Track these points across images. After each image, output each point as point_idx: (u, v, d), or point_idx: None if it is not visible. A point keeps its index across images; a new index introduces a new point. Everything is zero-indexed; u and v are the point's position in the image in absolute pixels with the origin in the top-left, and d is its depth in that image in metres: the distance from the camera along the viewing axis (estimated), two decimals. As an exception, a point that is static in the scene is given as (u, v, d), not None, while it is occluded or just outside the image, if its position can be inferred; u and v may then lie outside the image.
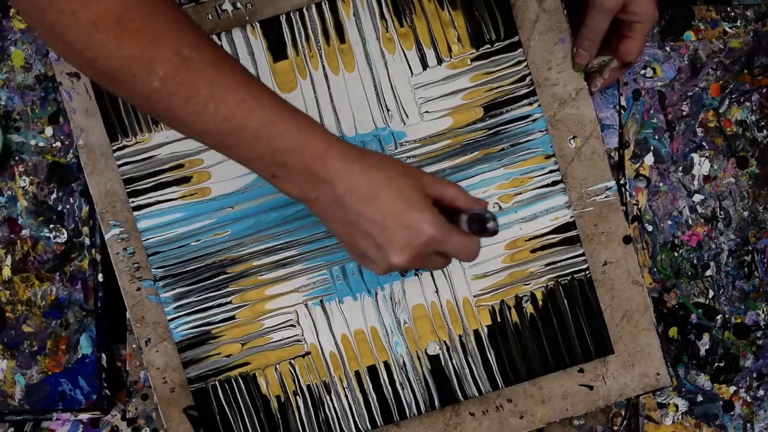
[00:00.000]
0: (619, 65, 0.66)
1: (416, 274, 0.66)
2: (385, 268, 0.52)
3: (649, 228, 0.72)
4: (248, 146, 0.50)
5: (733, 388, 0.72)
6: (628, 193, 0.72)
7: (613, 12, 0.61)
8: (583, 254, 0.66)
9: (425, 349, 0.67)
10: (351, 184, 0.50)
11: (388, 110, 0.66)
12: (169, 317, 0.67)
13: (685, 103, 0.72)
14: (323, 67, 0.66)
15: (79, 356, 0.71)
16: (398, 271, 0.54)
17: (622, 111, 0.72)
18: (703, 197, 0.72)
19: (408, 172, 0.52)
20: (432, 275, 0.66)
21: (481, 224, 0.50)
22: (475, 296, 0.66)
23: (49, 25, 0.47)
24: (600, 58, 0.66)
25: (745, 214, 0.73)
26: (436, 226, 0.50)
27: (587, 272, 0.67)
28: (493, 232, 0.50)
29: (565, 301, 0.67)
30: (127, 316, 0.69)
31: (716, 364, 0.72)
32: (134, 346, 0.70)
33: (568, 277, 0.66)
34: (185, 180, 0.66)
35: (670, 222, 0.72)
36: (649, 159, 0.72)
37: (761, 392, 0.72)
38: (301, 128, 0.50)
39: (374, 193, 0.50)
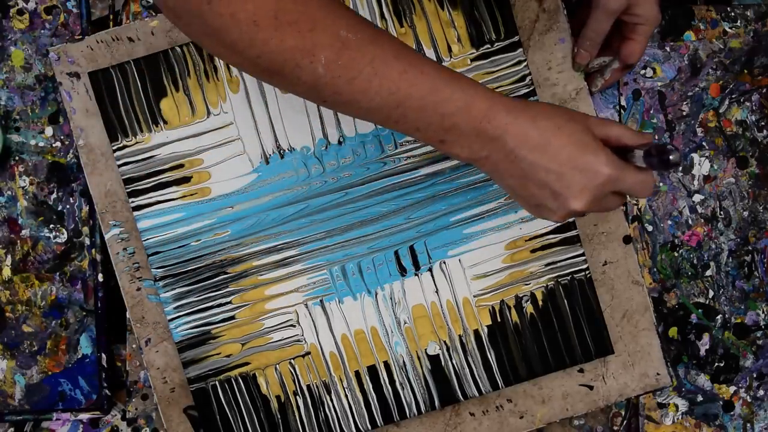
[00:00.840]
0: (621, 66, 0.66)
1: (416, 275, 0.66)
2: (564, 215, 0.52)
3: (649, 228, 0.72)
4: (416, 115, 0.51)
5: (733, 388, 0.72)
6: (628, 193, 0.72)
7: (617, 13, 0.61)
8: (583, 254, 0.66)
9: (425, 349, 0.67)
10: (521, 136, 0.50)
11: (388, 110, 0.66)
12: (169, 317, 0.67)
13: (685, 103, 0.72)
14: (323, 67, 0.66)
15: (79, 356, 0.71)
16: (577, 216, 0.55)
17: (622, 111, 0.72)
18: (703, 197, 0.72)
19: (574, 116, 0.52)
20: (432, 275, 0.66)
21: (662, 156, 0.49)
22: (475, 296, 0.66)
23: (211, 30, 0.47)
24: (601, 58, 0.66)
25: (745, 214, 0.73)
26: (612, 165, 0.51)
27: (587, 272, 0.67)
28: (676, 164, 0.49)
29: (565, 301, 0.67)
30: (127, 316, 0.69)
31: (716, 364, 0.72)
32: (134, 346, 0.70)
33: (568, 277, 0.66)
34: (185, 180, 0.66)
35: (670, 222, 0.72)
36: (649, 159, 0.72)
37: (761, 392, 0.72)
38: (465, 89, 0.51)
39: (546, 141, 0.50)
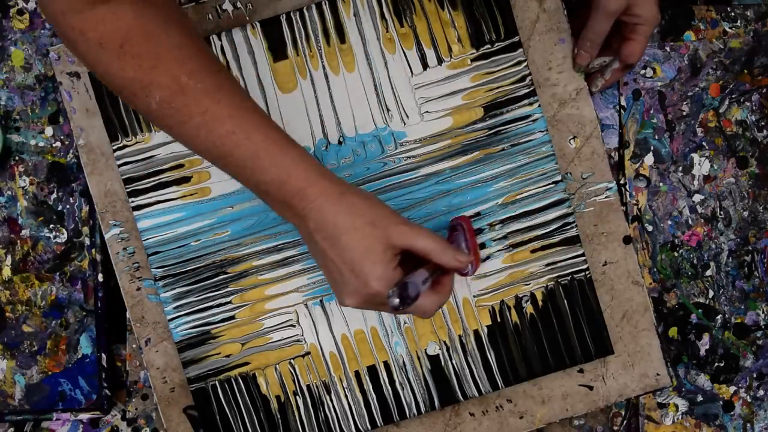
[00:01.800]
0: (621, 66, 0.66)
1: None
2: (342, 303, 0.54)
3: (649, 228, 0.72)
4: (235, 172, 0.53)
5: (733, 388, 0.72)
6: (628, 193, 0.72)
7: (617, 14, 0.61)
8: (583, 254, 0.66)
9: (425, 349, 0.67)
10: (319, 223, 0.52)
11: (388, 110, 0.66)
12: (169, 317, 0.67)
13: (685, 103, 0.72)
14: (323, 67, 0.66)
15: (79, 356, 0.71)
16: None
17: (622, 111, 0.72)
18: (703, 197, 0.72)
19: (377, 220, 0.53)
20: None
21: (399, 293, 0.51)
22: (475, 296, 0.66)
23: (62, 37, 0.51)
24: (601, 58, 0.66)
25: (745, 214, 0.73)
26: (382, 282, 0.52)
27: (587, 272, 0.67)
28: (393, 308, 0.50)
29: (565, 301, 0.67)
30: (127, 316, 0.69)
31: (716, 364, 0.72)
32: (134, 346, 0.70)
33: (568, 278, 0.66)
34: (185, 180, 0.66)
35: (670, 222, 0.72)
36: (649, 159, 0.72)
37: (761, 392, 0.72)
38: (283, 165, 0.52)
39: (337, 236, 0.52)
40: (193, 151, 0.54)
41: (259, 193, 0.54)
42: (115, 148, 0.66)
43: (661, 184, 0.72)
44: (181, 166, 0.66)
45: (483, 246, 0.66)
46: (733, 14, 0.73)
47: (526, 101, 0.66)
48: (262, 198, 0.55)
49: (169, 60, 0.50)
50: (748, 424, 0.72)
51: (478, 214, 0.66)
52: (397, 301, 0.50)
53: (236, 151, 0.52)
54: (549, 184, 0.66)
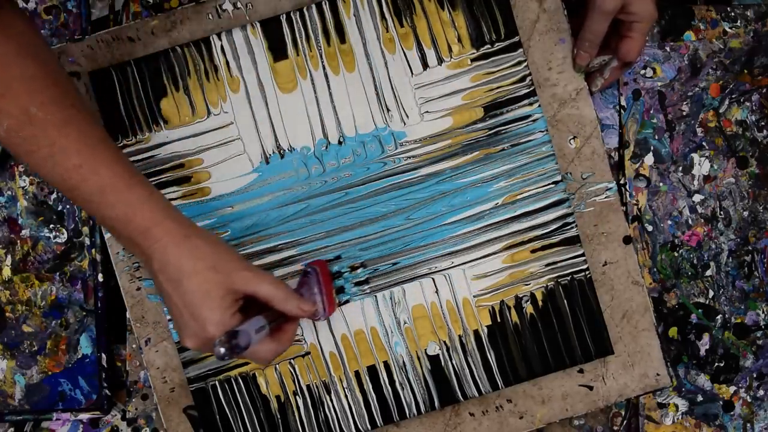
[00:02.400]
0: (620, 65, 0.66)
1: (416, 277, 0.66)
2: (185, 345, 0.55)
3: (649, 228, 0.72)
4: (85, 205, 0.54)
5: (733, 388, 0.72)
6: (628, 193, 0.72)
7: (613, 13, 0.61)
8: (583, 254, 0.66)
9: (425, 350, 0.67)
10: (163, 264, 0.53)
11: (388, 110, 0.66)
12: (168, 317, 0.67)
13: (685, 103, 0.72)
14: (323, 66, 0.66)
15: (79, 356, 0.71)
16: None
17: (622, 111, 0.72)
18: (703, 197, 0.72)
19: (219, 265, 0.54)
20: (432, 277, 0.66)
21: (231, 339, 0.51)
22: (475, 296, 0.66)
23: None
24: (600, 58, 0.66)
25: (745, 214, 0.73)
26: (219, 327, 0.52)
27: (587, 272, 0.67)
28: (219, 357, 0.50)
29: (565, 301, 0.67)
30: (127, 316, 0.69)
31: (716, 364, 0.72)
32: (134, 346, 0.70)
33: (568, 278, 0.66)
34: (185, 180, 0.66)
35: (670, 222, 0.72)
36: (649, 159, 0.72)
37: (761, 392, 0.72)
38: (131, 203, 0.53)
39: (178, 279, 0.53)
40: (43, 179, 0.54)
41: (106, 227, 0.55)
42: (115, 148, 0.66)
43: (661, 184, 0.72)
44: (181, 166, 0.66)
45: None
46: (733, 14, 0.73)
47: (526, 101, 0.66)
48: (110, 233, 0.55)
49: (19, 90, 0.50)
50: (748, 424, 0.72)
51: (477, 214, 0.66)
52: (222, 350, 0.50)
53: (83, 185, 0.52)
54: (549, 184, 0.66)
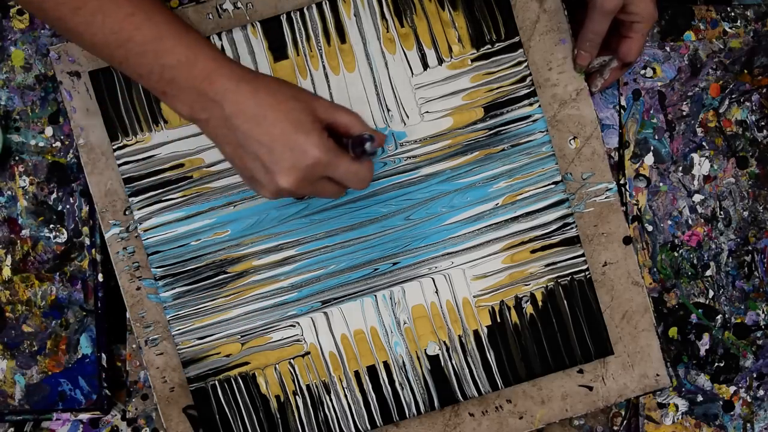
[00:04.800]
0: (620, 65, 0.66)
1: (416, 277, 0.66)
2: (273, 191, 0.52)
3: (649, 228, 0.72)
4: (137, 60, 0.50)
5: (733, 388, 0.72)
6: (628, 193, 0.72)
7: (613, 13, 0.61)
8: (582, 255, 0.66)
9: (425, 350, 0.67)
10: (239, 104, 0.50)
11: (388, 110, 0.66)
12: (168, 316, 0.67)
13: (685, 103, 0.72)
14: (324, 66, 0.66)
15: (79, 356, 0.71)
16: (288, 195, 0.54)
17: (622, 111, 0.72)
18: (703, 197, 0.72)
19: (298, 95, 0.52)
20: (432, 277, 0.66)
21: (361, 145, 0.50)
22: (474, 297, 0.66)
23: None
24: (600, 58, 0.66)
25: (745, 214, 0.73)
26: (322, 148, 0.50)
27: (587, 273, 0.67)
28: (372, 153, 0.49)
29: (565, 301, 0.67)
30: (127, 315, 0.69)
31: (716, 364, 0.72)
32: (134, 346, 0.70)
33: (568, 278, 0.66)
34: (185, 179, 0.66)
35: (670, 222, 0.72)
36: (649, 159, 0.72)
37: (761, 392, 0.72)
38: (191, 45, 0.50)
39: (262, 114, 0.50)
40: (89, 46, 0.51)
41: (162, 84, 0.50)
42: (115, 147, 0.66)
43: (661, 184, 0.72)
44: (181, 165, 0.66)
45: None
46: (733, 14, 0.73)
47: (526, 101, 0.66)
48: (165, 92, 0.51)
49: None
50: (748, 424, 0.72)
51: (477, 214, 0.66)
52: (365, 148, 0.49)
53: (137, 33, 0.49)
54: (549, 185, 0.66)
